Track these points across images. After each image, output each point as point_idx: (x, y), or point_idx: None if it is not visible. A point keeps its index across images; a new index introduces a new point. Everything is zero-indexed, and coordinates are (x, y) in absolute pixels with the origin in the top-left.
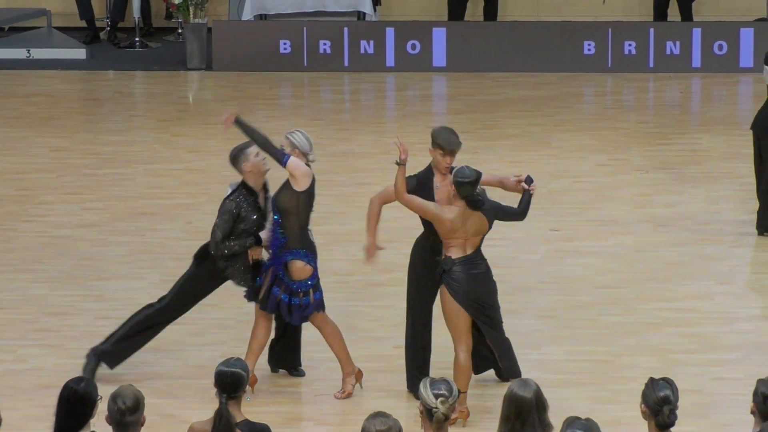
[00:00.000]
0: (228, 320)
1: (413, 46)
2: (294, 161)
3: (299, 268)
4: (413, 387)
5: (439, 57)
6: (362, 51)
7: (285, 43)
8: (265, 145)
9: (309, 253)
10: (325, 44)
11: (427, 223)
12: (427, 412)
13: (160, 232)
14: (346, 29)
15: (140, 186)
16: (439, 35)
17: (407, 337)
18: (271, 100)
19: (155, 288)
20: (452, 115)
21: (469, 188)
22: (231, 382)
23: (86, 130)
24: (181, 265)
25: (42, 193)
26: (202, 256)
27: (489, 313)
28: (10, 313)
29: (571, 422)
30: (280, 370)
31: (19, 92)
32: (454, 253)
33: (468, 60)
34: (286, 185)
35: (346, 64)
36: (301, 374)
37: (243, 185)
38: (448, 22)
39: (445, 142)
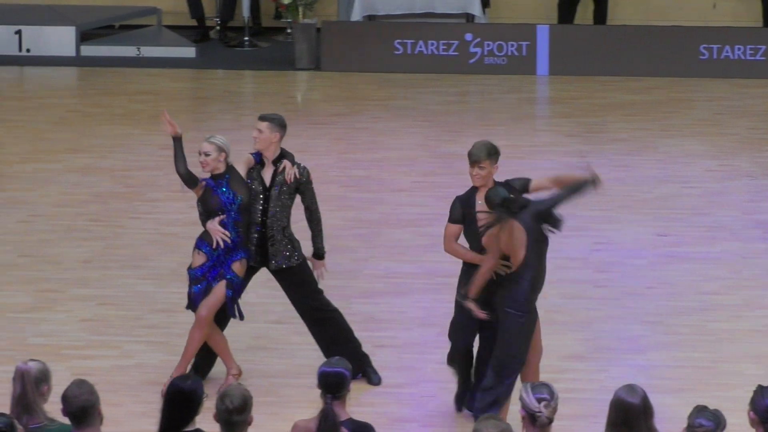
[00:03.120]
0: None
1: (520, 49)
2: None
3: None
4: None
5: (546, 60)
6: (470, 53)
7: (396, 44)
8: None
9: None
10: (433, 45)
11: None
12: (530, 417)
13: None
14: (455, 31)
15: None
16: (547, 38)
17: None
18: (379, 101)
19: (260, 287)
20: (559, 118)
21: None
22: (335, 382)
23: (194, 129)
24: None
25: (150, 191)
26: None
27: None
28: (117, 309)
29: (700, 410)
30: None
31: (128, 90)
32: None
33: (575, 63)
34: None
35: (454, 65)
36: None
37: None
38: (555, 24)
39: (470, 151)
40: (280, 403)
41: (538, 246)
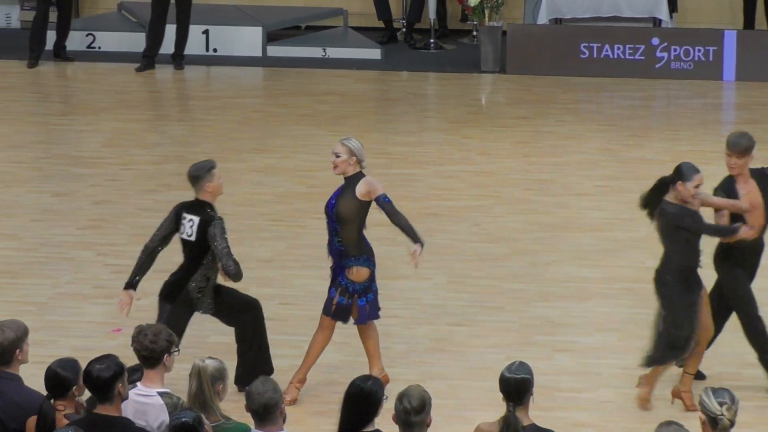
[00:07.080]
0: (511, 323)
1: (707, 54)
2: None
3: (358, 272)
4: None
5: (733, 65)
6: (656, 57)
7: (582, 47)
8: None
9: (369, 257)
10: (619, 49)
11: None
12: (711, 421)
13: (448, 234)
14: (641, 35)
15: (429, 187)
16: (734, 43)
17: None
18: (563, 105)
19: (441, 289)
20: (745, 125)
21: None
22: (516, 388)
23: (378, 130)
24: (468, 267)
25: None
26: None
27: None
28: (296, 308)
29: None
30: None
31: (313, 90)
32: None
33: (763, 68)
34: (348, 195)
35: (640, 70)
36: None
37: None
38: (743, 30)
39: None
40: (460, 406)
41: None
